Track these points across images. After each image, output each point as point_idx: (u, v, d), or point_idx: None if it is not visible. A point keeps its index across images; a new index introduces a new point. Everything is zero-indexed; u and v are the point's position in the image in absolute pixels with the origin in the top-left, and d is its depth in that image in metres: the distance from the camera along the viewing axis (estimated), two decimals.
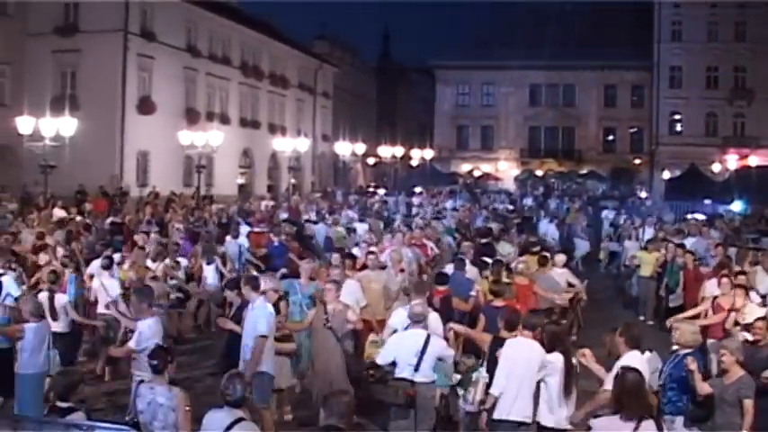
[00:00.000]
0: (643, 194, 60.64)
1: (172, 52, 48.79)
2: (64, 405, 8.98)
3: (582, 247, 33.37)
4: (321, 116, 71.31)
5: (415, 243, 21.48)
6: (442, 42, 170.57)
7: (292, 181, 59.59)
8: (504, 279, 16.08)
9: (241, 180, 58.45)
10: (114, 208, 32.57)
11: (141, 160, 47.02)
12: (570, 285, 18.76)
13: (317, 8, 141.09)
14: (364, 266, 16.96)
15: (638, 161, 78.40)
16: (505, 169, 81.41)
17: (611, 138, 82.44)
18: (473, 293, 15.87)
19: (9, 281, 15.26)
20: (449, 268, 17.33)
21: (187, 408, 8.92)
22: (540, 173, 79.51)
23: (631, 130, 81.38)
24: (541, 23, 77.35)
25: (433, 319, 12.19)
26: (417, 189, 55.91)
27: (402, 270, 17.53)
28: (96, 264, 16.91)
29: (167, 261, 18.85)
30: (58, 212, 29.33)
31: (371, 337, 13.52)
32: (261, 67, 60.06)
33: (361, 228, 27.96)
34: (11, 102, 42.15)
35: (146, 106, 46.44)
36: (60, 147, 33.86)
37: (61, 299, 14.73)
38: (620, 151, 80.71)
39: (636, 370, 8.29)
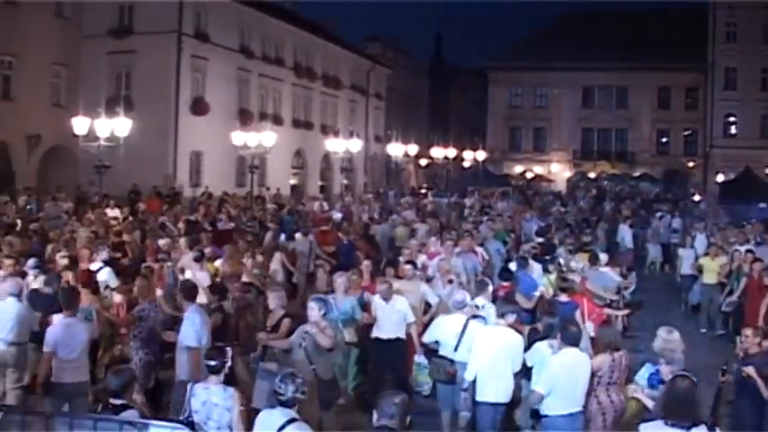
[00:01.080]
0: (696, 197, 59.79)
1: (225, 53, 48.98)
2: (117, 402, 8.96)
3: (654, 251, 33.15)
4: (373, 117, 71.26)
5: (468, 250, 20.12)
6: (494, 43, 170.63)
7: (345, 182, 59.64)
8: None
9: (293, 181, 58.53)
10: (191, 206, 35.04)
11: (194, 160, 47.29)
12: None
13: (369, 9, 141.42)
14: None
15: (691, 164, 77.64)
16: (558, 171, 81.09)
17: (664, 140, 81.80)
18: (536, 293, 16.04)
19: (108, 273, 16.56)
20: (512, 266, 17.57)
21: (242, 408, 8.89)
22: (592, 175, 79.04)
23: (685, 133, 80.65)
24: (594, 24, 76.86)
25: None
26: (470, 189, 55.70)
27: (450, 281, 16.31)
28: (189, 256, 17.82)
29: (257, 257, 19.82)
30: (112, 212, 29.51)
31: (416, 358, 13.89)
32: (314, 68, 60.12)
33: (422, 228, 28.30)
34: (66, 103, 42.54)
35: (199, 107, 46.67)
36: (115, 147, 33.97)
37: (158, 293, 15.56)
38: (674, 153, 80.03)
39: (687, 377, 8.07)
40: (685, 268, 25.02)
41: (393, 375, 13.72)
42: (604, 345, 10.68)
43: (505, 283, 16.03)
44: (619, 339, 11.10)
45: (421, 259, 18.65)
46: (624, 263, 25.34)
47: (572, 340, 10.29)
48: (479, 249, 21.17)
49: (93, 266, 16.84)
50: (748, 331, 11.64)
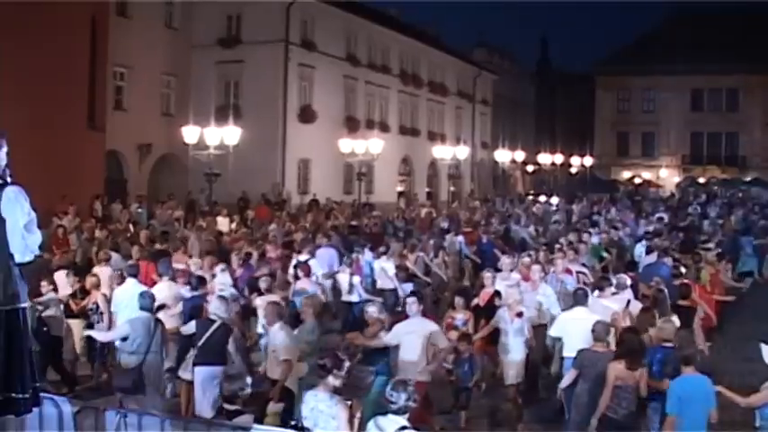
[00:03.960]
0: None
1: (331, 61, 49.14)
2: (231, 408, 8.91)
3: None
4: (480, 123, 70.79)
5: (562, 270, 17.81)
6: (601, 47, 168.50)
7: (452, 188, 59.37)
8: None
9: (400, 188, 58.46)
10: (353, 212, 37.57)
11: (302, 168, 47.51)
12: None
13: (475, 15, 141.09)
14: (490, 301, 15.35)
15: None
16: (666, 176, 79.39)
17: None
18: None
19: (316, 264, 19.45)
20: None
21: (357, 417, 8.72)
22: (702, 180, 77.12)
23: None
24: (703, 26, 75.19)
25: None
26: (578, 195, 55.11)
27: (519, 314, 13.83)
28: (369, 253, 21.63)
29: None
30: (222, 221, 29.74)
31: None
32: (420, 74, 60.01)
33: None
34: (177, 112, 43.15)
35: (306, 115, 46.89)
36: (224, 155, 34.35)
37: (356, 279, 19.57)
38: None
39: None
40: None
41: None
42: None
43: (630, 273, 17.18)
44: None
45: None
46: None
47: None
48: (575, 267, 18.73)
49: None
50: None
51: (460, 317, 14.78)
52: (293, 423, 8.96)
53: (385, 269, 20.51)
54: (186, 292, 15.21)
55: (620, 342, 11.34)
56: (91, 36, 36.56)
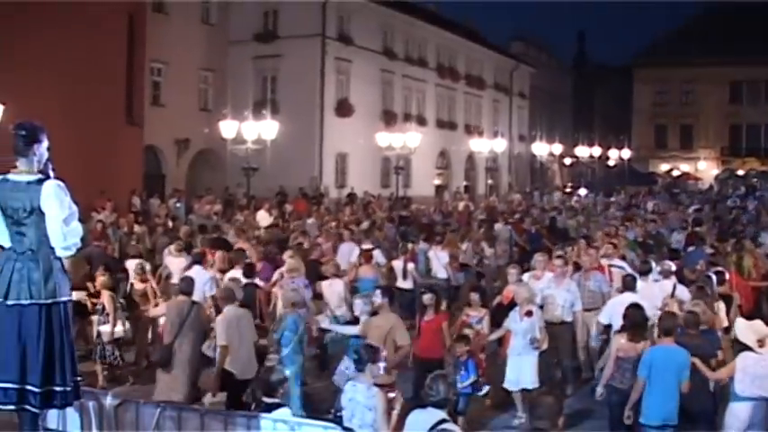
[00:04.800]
0: None
1: (368, 55, 49.15)
2: (270, 401, 8.93)
3: None
4: (517, 116, 70.57)
5: (593, 267, 16.49)
6: (638, 40, 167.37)
7: (489, 182, 59.23)
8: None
9: (438, 181, 58.38)
10: (390, 206, 37.73)
11: (340, 162, 47.58)
12: None
13: (511, 8, 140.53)
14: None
15: None
16: (705, 168, 78.76)
17: None
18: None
19: (378, 254, 20.42)
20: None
21: (394, 409, 8.73)
22: (741, 172, 76.39)
23: None
24: (741, 17, 74.37)
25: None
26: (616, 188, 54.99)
27: (529, 313, 13.18)
28: (423, 243, 22.00)
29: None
30: (262, 215, 29.79)
31: None
32: (457, 68, 59.88)
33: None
34: (214, 107, 43.29)
35: (344, 109, 46.94)
36: (262, 149, 34.49)
37: (411, 266, 20.50)
38: None
39: None
40: None
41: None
42: None
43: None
44: None
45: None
46: None
47: None
48: (611, 261, 17.63)
49: None
50: None
51: (475, 314, 14.00)
52: (332, 414, 8.98)
53: (439, 258, 21.01)
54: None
55: (625, 316, 11.55)
56: (128, 32, 36.80)
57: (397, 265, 20.64)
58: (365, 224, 27.41)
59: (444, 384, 7.97)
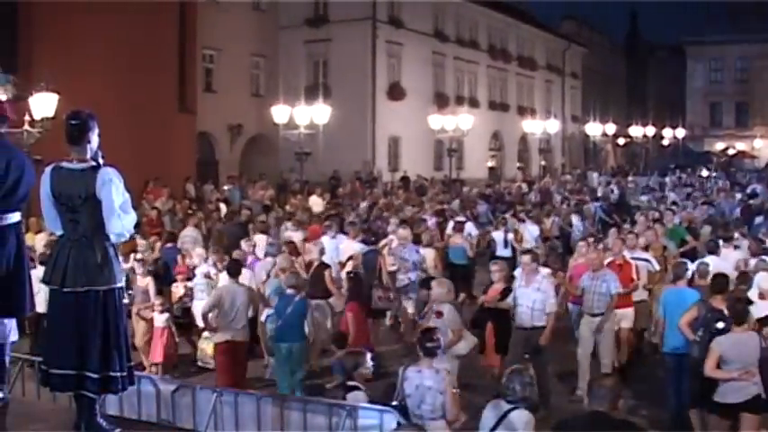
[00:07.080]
0: None
1: (419, 38, 48.96)
2: (349, 383, 9.02)
3: None
4: (570, 97, 70.06)
5: (614, 262, 14.95)
6: (691, 17, 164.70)
7: (542, 163, 58.90)
8: None
9: (491, 163, 58.16)
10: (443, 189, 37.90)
11: (392, 145, 47.53)
12: None
13: None
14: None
15: None
16: (761, 147, 77.45)
17: None
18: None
19: (471, 226, 22.70)
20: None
21: (455, 390, 8.72)
22: None
23: None
24: None
25: None
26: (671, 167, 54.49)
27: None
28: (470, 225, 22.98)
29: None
30: (315, 200, 29.85)
31: None
32: (508, 49, 59.55)
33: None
34: (266, 92, 43.39)
35: (395, 92, 46.85)
36: (314, 134, 34.54)
37: (510, 236, 22.18)
38: None
39: None
40: None
41: None
42: None
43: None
44: None
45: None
46: None
47: None
48: (641, 255, 16.03)
49: None
50: None
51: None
52: (394, 403, 8.98)
53: (530, 231, 22.72)
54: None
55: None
56: (180, 20, 37.00)
57: (498, 235, 22.38)
58: (456, 202, 30.76)
59: (521, 383, 7.99)
